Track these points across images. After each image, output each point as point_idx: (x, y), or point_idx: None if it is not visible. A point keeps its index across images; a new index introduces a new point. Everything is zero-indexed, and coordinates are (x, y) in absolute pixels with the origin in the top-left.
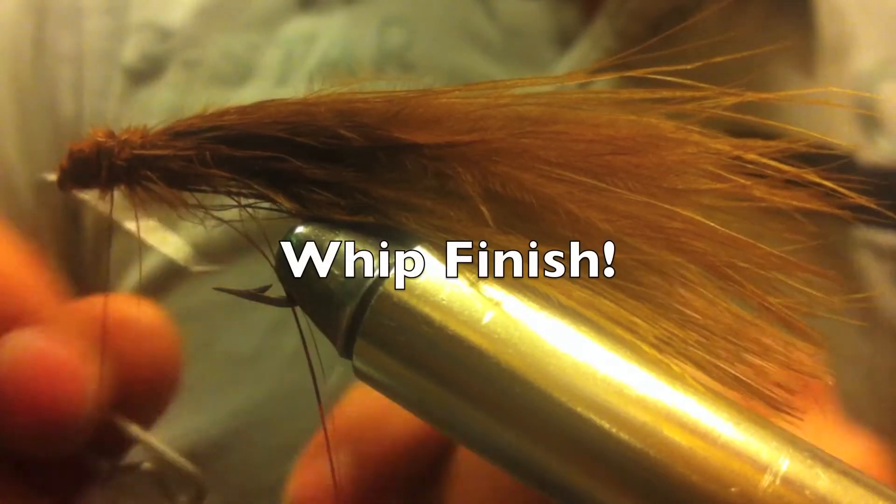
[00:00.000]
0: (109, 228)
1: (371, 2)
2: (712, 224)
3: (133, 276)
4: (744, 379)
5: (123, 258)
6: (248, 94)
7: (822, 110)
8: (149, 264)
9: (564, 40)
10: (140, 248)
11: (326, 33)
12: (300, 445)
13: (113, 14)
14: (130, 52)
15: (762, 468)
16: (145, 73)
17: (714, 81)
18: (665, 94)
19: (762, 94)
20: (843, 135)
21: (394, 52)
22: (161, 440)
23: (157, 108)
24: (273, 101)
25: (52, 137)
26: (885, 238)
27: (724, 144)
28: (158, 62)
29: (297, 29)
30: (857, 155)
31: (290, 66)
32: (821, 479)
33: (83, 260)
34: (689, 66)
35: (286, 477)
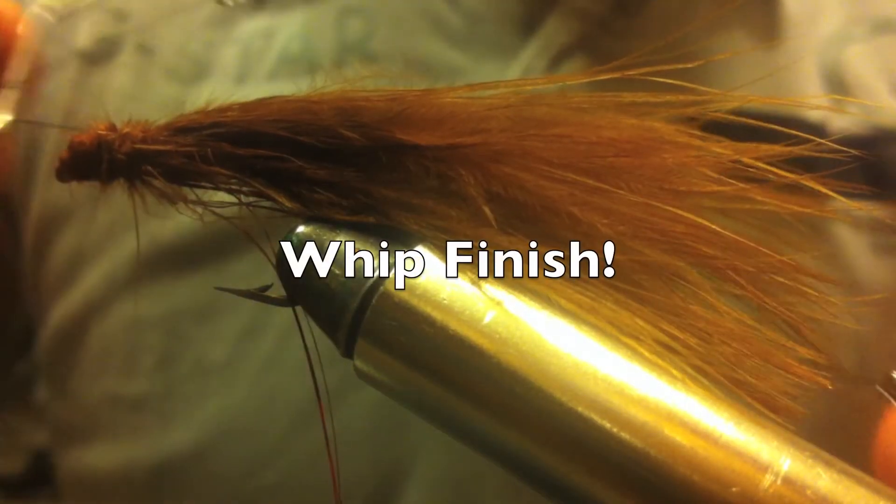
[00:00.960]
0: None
1: None
2: (713, 226)
3: (87, 282)
4: (744, 381)
5: (84, 254)
6: (206, 92)
7: (789, 81)
8: (108, 269)
9: (529, 25)
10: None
11: (284, 28)
12: (275, 454)
13: None
14: (84, 34)
15: (763, 468)
16: (99, 56)
17: (676, 60)
18: (664, 97)
19: (750, 96)
20: (811, 103)
21: (354, 43)
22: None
23: (113, 93)
24: (275, 98)
25: None
26: (862, 208)
27: (722, 147)
28: (113, 44)
29: (254, 26)
30: (827, 123)
31: (248, 63)
32: (822, 479)
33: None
34: (653, 53)
35: (263, 487)
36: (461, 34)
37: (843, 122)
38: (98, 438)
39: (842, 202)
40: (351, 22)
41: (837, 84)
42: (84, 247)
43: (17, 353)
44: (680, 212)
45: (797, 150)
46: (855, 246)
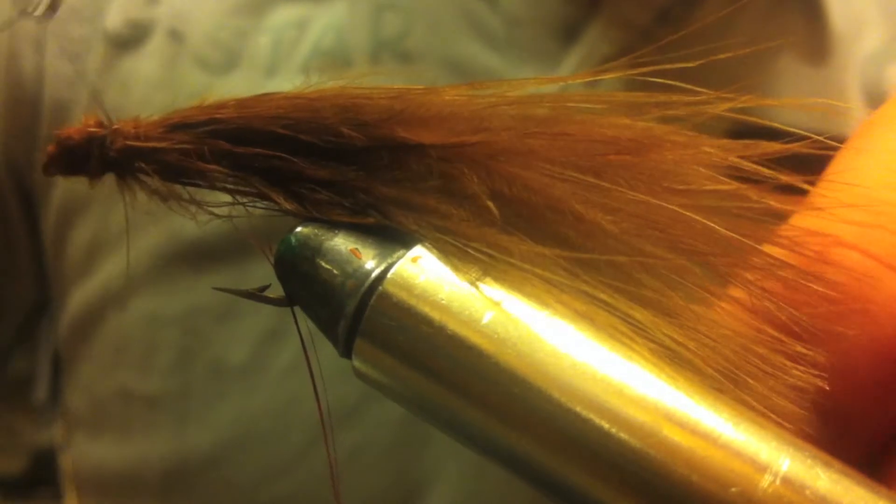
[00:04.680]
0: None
1: None
2: (716, 226)
3: (106, 271)
4: (743, 381)
5: (103, 243)
6: (235, 82)
7: (831, 97)
8: (130, 260)
9: (569, 31)
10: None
11: (319, 20)
12: (292, 463)
13: None
14: (114, 17)
15: (762, 468)
16: (129, 40)
17: (719, 76)
18: (669, 97)
19: (762, 98)
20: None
21: (389, 40)
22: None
23: (140, 80)
24: (273, 94)
25: (7, 93)
26: None
27: (726, 148)
28: (143, 29)
29: (287, 15)
30: None
31: (279, 55)
32: (821, 480)
33: (43, 246)
34: (692, 64)
35: (278, 497)
36: (500, 37)
37: None
38: (108, 433)
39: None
40: (388, 18)
41: (878, 102)
42: (103, 236)
43: (17, 339)
44: (681, 210)
45: (795, 146)
46: None
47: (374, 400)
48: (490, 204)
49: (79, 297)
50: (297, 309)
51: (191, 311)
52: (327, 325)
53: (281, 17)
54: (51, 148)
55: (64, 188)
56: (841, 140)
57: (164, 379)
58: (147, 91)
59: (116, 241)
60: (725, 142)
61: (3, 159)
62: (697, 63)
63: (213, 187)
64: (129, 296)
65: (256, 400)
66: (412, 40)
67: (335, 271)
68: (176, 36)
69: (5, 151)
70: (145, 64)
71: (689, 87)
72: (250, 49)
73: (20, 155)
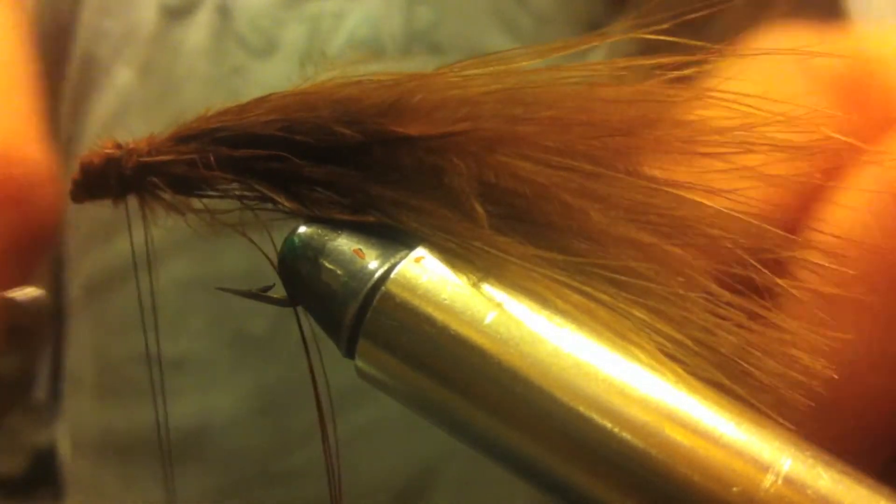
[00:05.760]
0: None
1: None
2: (715, 206)
3: (127, 240)
4: (747, 373)
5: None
6: (272, 69)
7: None
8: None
9: (596, 28)
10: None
11: (356, 10)
12: (308, 436)
13: None
14: None
15: (764, 468)
16: (181, 10)
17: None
18: (664, 59)
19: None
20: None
21: (421, 31)
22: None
23: (188, 48)
24: (272, 95)
25: (62, 47)
26: None
27: (724, 120)
28: (194, 1)
29: (324, 6)
30: None
31: (315, 43)
32: (822, 479)
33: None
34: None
35: (292, 467)
36: (529, 33)
37: None
38: (118, 396)
39: None
40: (420, 9)
41: None
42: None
43: None
44: (680, 192)
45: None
46: None
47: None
48: (476, 205)
49: (95, 260)
50: (300, 309)
51: (219, 280)
52: (330, 326)
53: (318, 7)
54: (75, 175)
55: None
56: None
57: (192, 342)
58: (193, 59)
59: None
60: (723, 117)
61: None
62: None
63: (222, 195)
64: (159, 261)
65: (275, 371)
66: (442, 32)
67: (338, 271)
68: (223, 11)
69: None
70: (193, 33)
71: (689, 42)
72: (288, 36)
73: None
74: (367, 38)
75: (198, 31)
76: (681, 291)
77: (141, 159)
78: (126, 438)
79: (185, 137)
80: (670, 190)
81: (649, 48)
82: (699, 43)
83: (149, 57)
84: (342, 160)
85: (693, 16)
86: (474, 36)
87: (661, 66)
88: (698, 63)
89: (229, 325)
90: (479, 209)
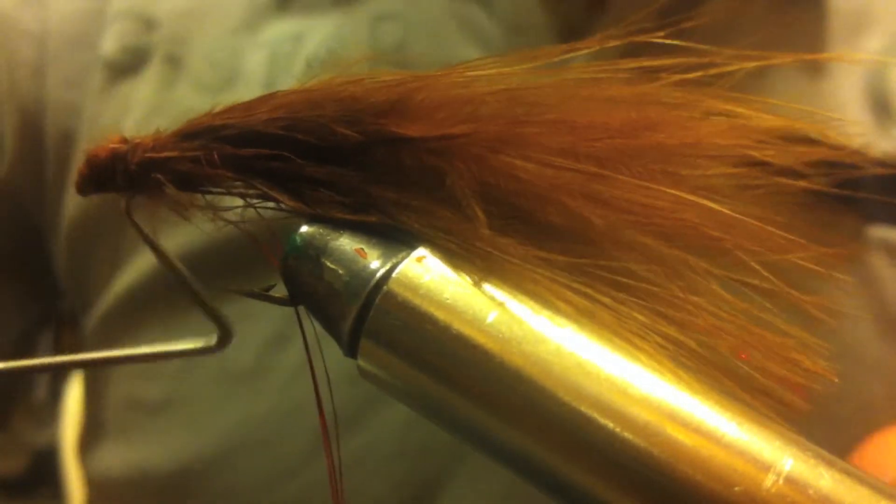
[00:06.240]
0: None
1: (361, 1)
2: (716, 206)
3: (123, 280)
4: (747, 375)
5: (109, 262)
6: (233, 100)
7: (831, 99)
8: (138, 270)
9: (571, 36)
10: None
11: (314, 32)
12: (297, 468)
13: None
14: (111, 42)
15: (766, 468)
16: (126, 66)
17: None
18: (666, 62)
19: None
20: (853, 122)
21: (389, 50)
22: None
23: (137, 104)
24: (277, 93)
25: (17, 118)
26: None
27: (728, 125)
28: (141, 55)
29: (282, 29)
30: (869, 145)
31: (276, 68)
32: (824, 479)
33: (55, 264)
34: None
35: (282, 501)
36: (499, 44)
37: (885, 144)
38: (111, 440)
39: (879, 229)
40: (386, 28)
41: (881, 104)
42: (120, 253)
43: (15, 350)
44: (682, 194)
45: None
46: (890, 275)
47: (379, 404)
48: (477, 207)
49: (98, 308)
50: (301, 309)
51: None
52: (332, 325)
53: (275, 31)
54: (81, 168)
55: (70, 217)
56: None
57: (175, 383)
58: (144, 115)
59: (129, 256)
60: (724, 120)
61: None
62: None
63: (225, 192)
64: (135, 307)
65: (261, 404)
66: (411, 49)
67: (340, 271)
68: (174, 61)
69: (8, 189)
70: (143, 88)
71: (692, 45)
72: (247, 65)
73: (26, 190)
74: (330, 59)
75: (147, 85)
76: (682, 293)
77: (146, 155)
78: (122, 482)
79: (190, 134)
80: (671, 192)
81: (635, 50)
82: (701, 46)
83: (94, 118)
84: (344, 160)
85: (677, 17)
86: (443, 50)
87: (662, 70)
88: (702, 67)
89: (213, 362)
90: (480, 212)
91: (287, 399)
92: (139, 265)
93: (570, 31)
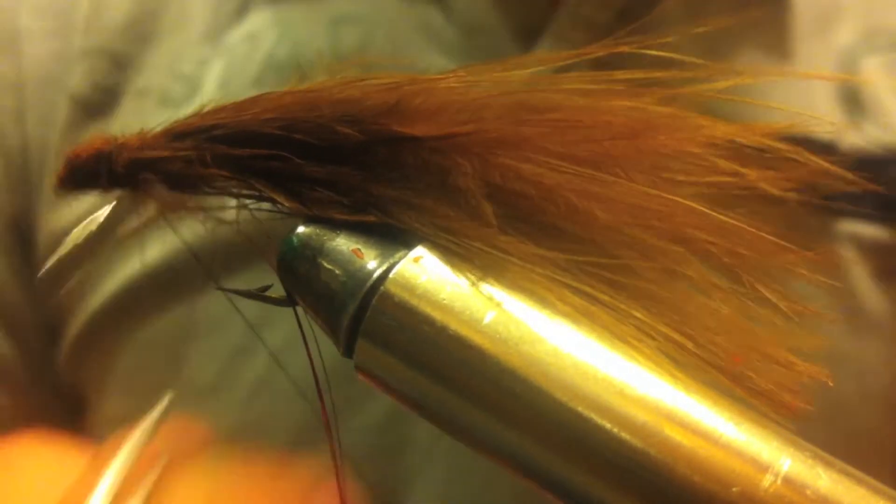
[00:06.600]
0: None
1: (319, 1)
2: (710, 211)
3: (99, 295)
4: (745, 376)
5: (85, 278)
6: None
7: (802, 92)
8: (108, 289)
9: (528, 34)
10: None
11: (269, 33)
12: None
13: (59, 37)
14: (79, 80)
15: (764, 468)
16: (98, 105)
17: (682, 71)
18: (660, 75)
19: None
20: (824, 118)
21: (348, 52)
22: None
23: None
24: (269, 93)
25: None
26: (869, 231)
27: (716, 129)
28: (112, 93)
29: (239, 32)
30: (839, 139)
31: (232, 69)
32: (822, 479)
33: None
34: (657, 53)
35: None
36: (457, 46)
37: (856, 139)
38: None
39: (848, 224)
40: (345, 30)
41: (852, 99)
42: (90, 271)
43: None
44: (678, 199)
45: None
46: (859, 270)
47: (349, 409)
48: (484, 203)
49: (69, 331)
50: (299, 309)
51: (168, 333)
52: (329, 325)
53: (234, 35)
54: (61, 168)
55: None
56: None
57: (139, 401)
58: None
59: (97, 279)
60: (719, 124)
61: None
62: (660, 55)
63: (218, 192)
64: (111, 327)
65: (228, 419)
66: (371, 52)
67: (337, 271)
68: (143, 92)
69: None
70: (116, 125)
71: (683, 57)
72: (209, 73)
73: (20, 216)
74: (286, 59)
75: (117, 122)
76: (680, 293)
77: (133, 155)
78: None
79: (179, 134)
80: (667, 196)
81: (605, 58)
82: (690, 59)
83: (64, 149)
84: (344, 160)
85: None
86: (402, 53)
87: (657, 81)
88: (693, 80)
89: (184, 377)
90: (487, 207)
91: (251, 413)
92: (104, 290)
93: (527, 31)
